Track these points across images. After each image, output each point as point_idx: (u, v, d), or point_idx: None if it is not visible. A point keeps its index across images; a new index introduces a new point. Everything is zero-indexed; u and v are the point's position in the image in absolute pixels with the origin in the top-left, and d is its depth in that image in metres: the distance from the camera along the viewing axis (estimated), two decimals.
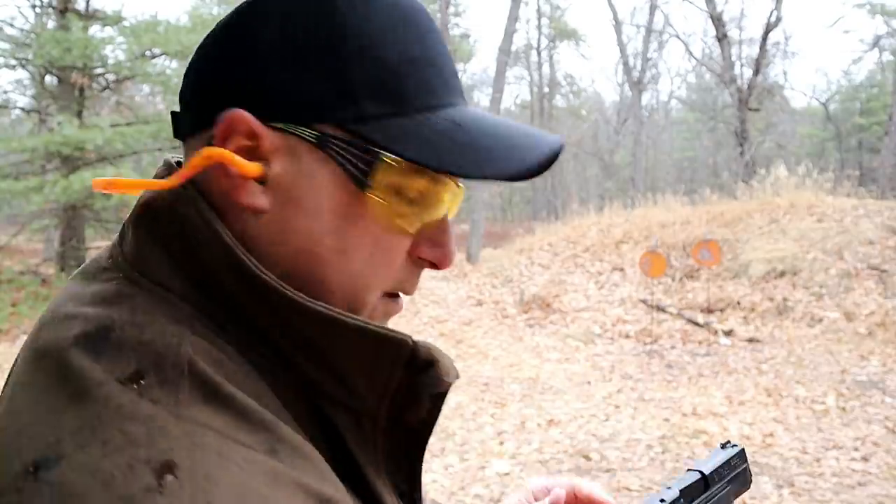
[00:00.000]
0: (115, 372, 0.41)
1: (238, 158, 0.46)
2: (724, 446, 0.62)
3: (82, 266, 0.54)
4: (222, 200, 0.48)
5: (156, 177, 0.53)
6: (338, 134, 0.48)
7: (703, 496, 0.60)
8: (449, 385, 0.49)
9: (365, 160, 0.48)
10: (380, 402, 0.48)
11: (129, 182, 0.49)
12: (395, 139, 0.48)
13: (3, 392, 0.46)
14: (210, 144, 0.47)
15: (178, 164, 0.54)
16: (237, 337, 0.46)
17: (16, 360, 0.49)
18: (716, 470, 0.60)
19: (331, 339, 0.46)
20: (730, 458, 0.61)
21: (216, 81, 0.49)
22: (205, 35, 0.52)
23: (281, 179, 0.48)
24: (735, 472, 0.61)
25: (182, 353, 0.42)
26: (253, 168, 0.47)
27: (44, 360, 0.44)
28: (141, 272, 0.47)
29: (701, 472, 0.59)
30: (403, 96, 0.49)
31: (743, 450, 0.63)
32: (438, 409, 0.51)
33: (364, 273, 0.50)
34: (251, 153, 0.47)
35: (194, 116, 0.50)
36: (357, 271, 0.50)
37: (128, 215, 0.52)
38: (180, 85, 0.54)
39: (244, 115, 0.46)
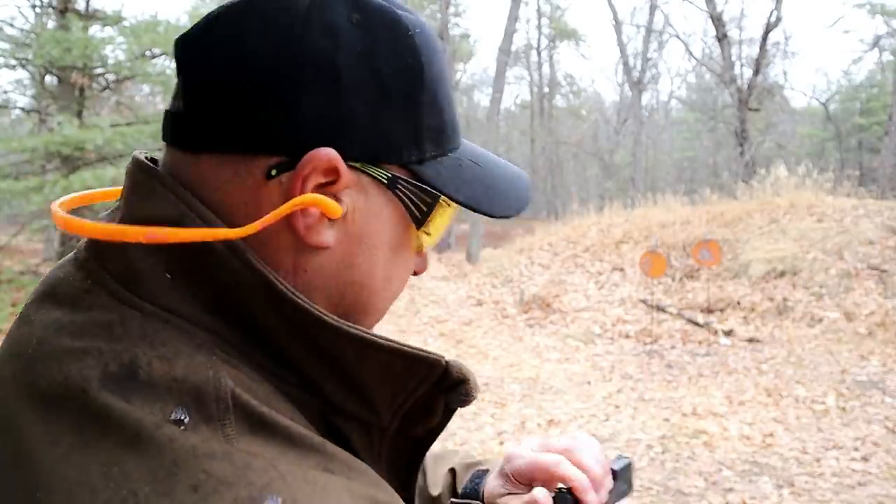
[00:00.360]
0: (154, 412, 0.39)
1: (330, 202, 0.46)
2: (619, 458, 0.76)
3: (45, 288, 0.48)
4: (275, 233, 0.47)
5: (128, 173, 0.49)
6: (403, 175, 0.50)
7: (612, 486, 0.74)
8: (473, 400, 0.51)
9: (426, 203, 0.51)
10: (394, 416, 0.49)
11: (187, 233, 0.44)
12: (446, 182, 0.51)
13: None
14: (270, 175, 0.46)
15: (153, 160, 0.50)
16: (258, 361, 0.45)
17: None
18: (620, 469, 0.73)
19: (363, 359, 0.46)
20: (627, 465, 0.75)
21: (285, 106, 0.45)
22: (231, 40, 0.46)
23: (350, 217, 0.48)
24: (627, 475, 0.77)
25: (223, 386, 0.41)
26: (339, 210, 0.47)
27: (65, 404, 0.40)
28: (135, 293, 0.44)
29: (612, 469, 0.73)
30: (447, 139, 0.52)
31: (632, 462, 0.78)
32: (448, 421, 0.52)
33: (395, 294, 0.54)
34: (323, 189, 0.47)
35: (239, 135, 0.46)
36: (393, 294, 0.54)
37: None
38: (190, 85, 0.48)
39: (332, 154, 0.45)
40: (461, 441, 4.78)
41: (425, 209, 0.51)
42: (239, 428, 0.40)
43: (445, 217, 0.54)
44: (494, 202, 0.54)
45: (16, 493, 0.38)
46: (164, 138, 0.49)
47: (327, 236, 0.48)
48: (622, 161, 28.21)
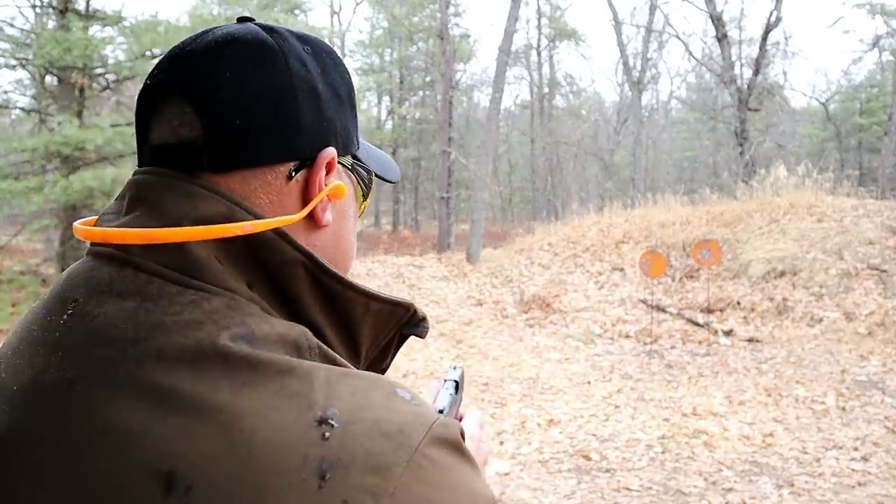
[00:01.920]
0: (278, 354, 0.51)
1: (342, 185, 0.61)
2: (453, 368, 0.97)
3: (95, 287, 0.54)
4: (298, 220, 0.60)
5: (155, 184, 0.57)
6: (353, 161, 0.66)
7: (458, 388, 0.95)
8: (428, 331, 0.67)
9: (367, 179, 0.69)
10: (365, 360, 0.62)
11: (263, 224, 0.55)
12: (370, 162, 0.70)
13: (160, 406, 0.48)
14: (290, 176, 0.58)
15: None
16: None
17: (121, 372, 0.49)
18: (460, 378, 0.95)
19: (367, 309, 0.60)
20: (461, 373, 0.96)
21: (294, 121, 0.58)
22: (237, 81, 0.56)
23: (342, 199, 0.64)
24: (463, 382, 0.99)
25: (310, 338, 0.54)
26: (345, 192, 0.62)
27: (207, 360, 0.49)
28: (195, 278, 0.53)
29: (454, 380, 0.96)
30: (359, 131, 0.69)
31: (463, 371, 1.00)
32: (394, 357, 0.67)
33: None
34: (326, 179, 0.61)
35: (265, 153, 0.57)
36: (353, 253, 0.70)
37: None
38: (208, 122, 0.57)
39: (332, 152, 0.60)
40: None
41: (369, 183, 0.70)
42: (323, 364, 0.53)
43: (373, 189, 0.73)
44: (390, 172, 0.73)
45: (214, 434, 0.46)
46: (176, 166, 0.57)
47: (329, 216, 0.62)
48: (622, 161, 28.18)
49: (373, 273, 11.80)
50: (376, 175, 0.71)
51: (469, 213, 15.08)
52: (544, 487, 4.05)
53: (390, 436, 0.47)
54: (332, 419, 0.47)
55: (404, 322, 0.63)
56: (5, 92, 14.16)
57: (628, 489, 3.98)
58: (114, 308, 0.52)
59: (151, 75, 0.59)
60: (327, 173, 0.60)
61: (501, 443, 4.81)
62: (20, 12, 25.44)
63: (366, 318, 0.60)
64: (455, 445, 0.51)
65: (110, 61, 10.15)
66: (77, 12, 10.04)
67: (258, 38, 0.58)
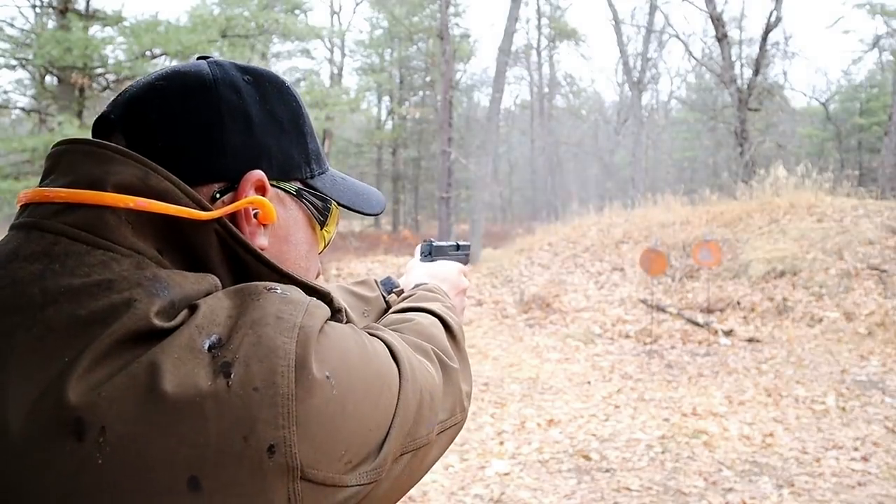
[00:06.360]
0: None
1: (269, 204, 0.61)
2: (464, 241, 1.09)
3: (12, 254, 0.54)
4: None
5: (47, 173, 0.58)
6: (303, 188, 0.67)
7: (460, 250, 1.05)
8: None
9: (323, 208, 0.69)
10: None
11: (162, 206, 0.55)
12: (332, 191, 0.70)
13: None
14: (215, 198, 0.60)
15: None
16: None
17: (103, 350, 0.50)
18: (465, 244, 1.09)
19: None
20: (468, 245, 1.06)
21: (219, 145, 0.60)
22: (172, 105, 0.59)
23: (276, 223, 0.64)
24: (468, 249, 1.10)
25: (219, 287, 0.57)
26: (274, 213, 0.61)
27: (121, 321, 0.50)
28: (103, 237, 0.54)
29: (459, 243, 1.06)
30: (322, 160, 0.70)
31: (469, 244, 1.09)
32: None
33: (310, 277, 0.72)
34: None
35: (188, 174, 0.59)
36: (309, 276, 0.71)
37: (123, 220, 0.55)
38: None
39: (260, 174, 0.61)
40: (461, 441, 4.77)
41: (325, 212, 0.69)
42: None
43: (335, 219, 0.72)
44: (366, 204, 0.73)
45: (119, 380, 0.47)
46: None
47: (263, 240, 0.62)
48: (622, 161, 28.19)
49: (373, 273, 11.80)
50: (348, 207, 0.71)
51: (469, 213, 15.08)
52: (544, 487, 4.04)
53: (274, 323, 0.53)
54: (217, 343, 0.50)
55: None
56: (5, 92, 14.16)
57: (628, 489, 3.98)
58: (21, 273, 0.51)
59: (103, 110, 0.62)
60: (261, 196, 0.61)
61: (501, 443, 4.81)
62: (20, 12, 25.42)
63: None
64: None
65: (110, 61, 10.15)
66: (77, 12, 10.04)
67: (195, 69, 0.61)
